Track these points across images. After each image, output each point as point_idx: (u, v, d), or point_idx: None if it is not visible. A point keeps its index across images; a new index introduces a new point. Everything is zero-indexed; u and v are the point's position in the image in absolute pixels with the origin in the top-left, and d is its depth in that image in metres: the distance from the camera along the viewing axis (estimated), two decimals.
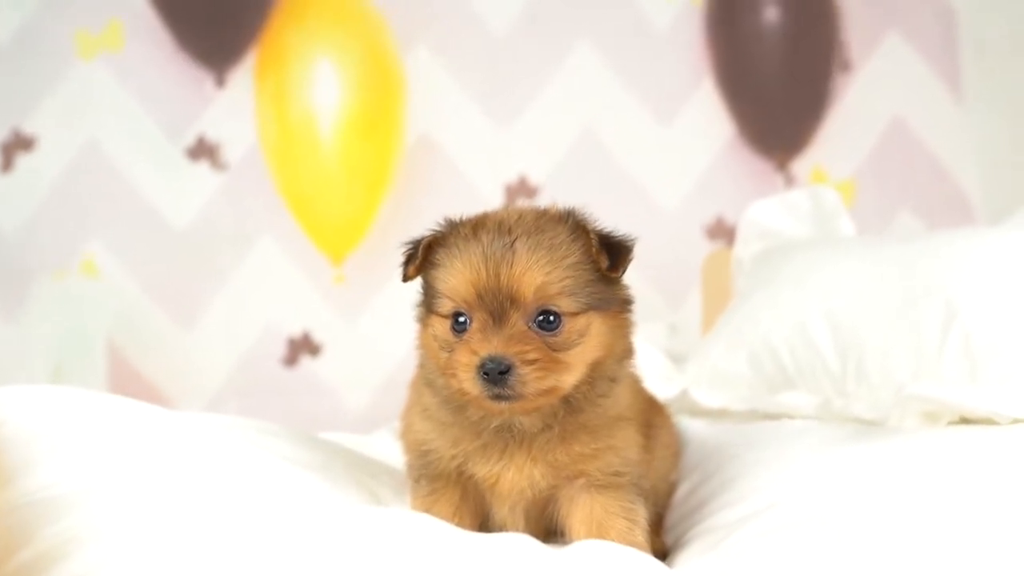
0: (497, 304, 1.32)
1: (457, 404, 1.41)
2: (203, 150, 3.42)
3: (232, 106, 3.43)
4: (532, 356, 1.31)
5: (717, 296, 2.85)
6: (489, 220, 1.40)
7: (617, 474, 1.42)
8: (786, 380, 2.09)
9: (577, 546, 1.26)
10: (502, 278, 1.32)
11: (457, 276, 1.34)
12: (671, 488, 1.75)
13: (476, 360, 1.30)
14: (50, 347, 3.31)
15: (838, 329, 2.02)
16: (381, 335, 3.39)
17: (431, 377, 1.45)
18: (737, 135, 3.53)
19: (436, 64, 3.49)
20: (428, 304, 1.41)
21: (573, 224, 1.40)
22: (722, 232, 3.47)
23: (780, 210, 2.62)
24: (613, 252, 1.39)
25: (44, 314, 3.32)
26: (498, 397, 1.31)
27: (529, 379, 1.30)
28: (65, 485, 1.25)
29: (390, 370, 3.28)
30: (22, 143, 3.35)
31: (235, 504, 1.28)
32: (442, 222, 1.44)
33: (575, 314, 1.35)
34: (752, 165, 3.53)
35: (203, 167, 3.42)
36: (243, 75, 3.44)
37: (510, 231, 1.35)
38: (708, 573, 1.28)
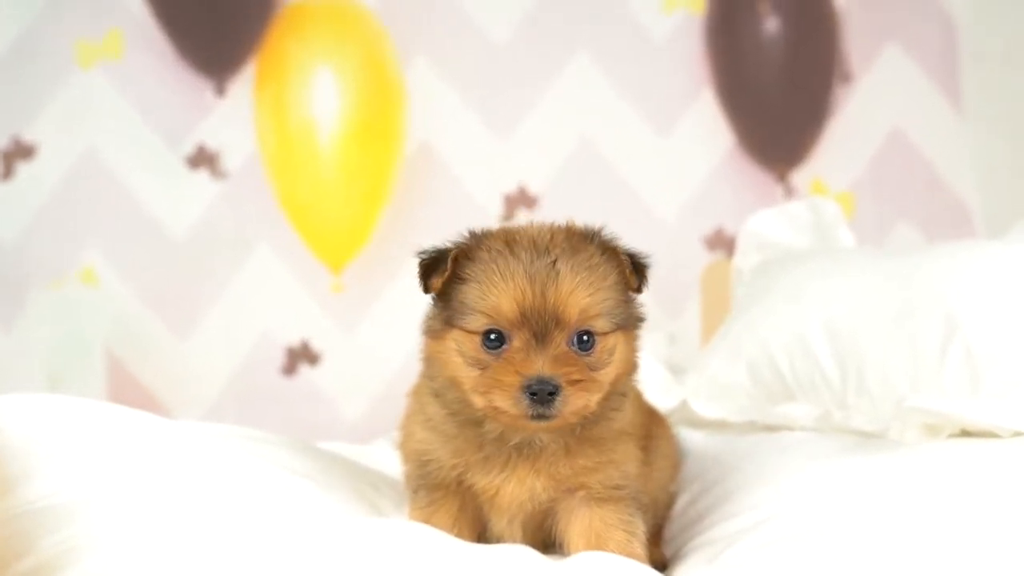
0: (542, 324, 1.32)
1: (469, 418, 1.41)
2: (202, 159, 3.42)
3: (232, 115, 3.43)
4: (576, 377, 1.31)
5: (716, 307, 2.84)
6: (521, 236, 1.39)
7: (617, 487, 1.42)
8: (786, 392, 2.09)
9: (577, 558, 1.26)
10: (548, 299, 1.32)
11: (499, 294, 1.33)
12: (670, 499, 1.75)
13: (521, 380, 1.29)
14: (48, 355, 3.30)
15: (838, 340, 2.02)
16: (380, 344, 3.39)
17: (441, 390, 1.44)
18: (736, 146, 3.53)
19: (435, 74, 3.49)
20: (448, 318, 1.39)
21: (601, 244, 1.41)
22: (721, 243, 3.47)
23: (780, 221, 2.62)
24: (638, 271, 1.43)
25: (42, 322, 3.32)
26: (539, 417, 1.31)
27: (571, 399, 1.31)
28: (64, 494, 1.25)
29: (389, 379, 3.27)
30: (22, 151, 3.35)
31: (233, 514, 1.27)
32: (466, 234, 1.43)
33: (606, 334, 1.37)
34: (752, 176, 3.53)
35: (202, 176, 3.41)
36: (243, 84, 3.44)
37: (548, 250, 1.35)
38: None
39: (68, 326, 3.33)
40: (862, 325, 2.00)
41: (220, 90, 3.42)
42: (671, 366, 2.56)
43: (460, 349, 1.37)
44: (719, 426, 2.12)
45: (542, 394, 1.29)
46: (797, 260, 2.37)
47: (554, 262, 1.34)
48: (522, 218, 3.47)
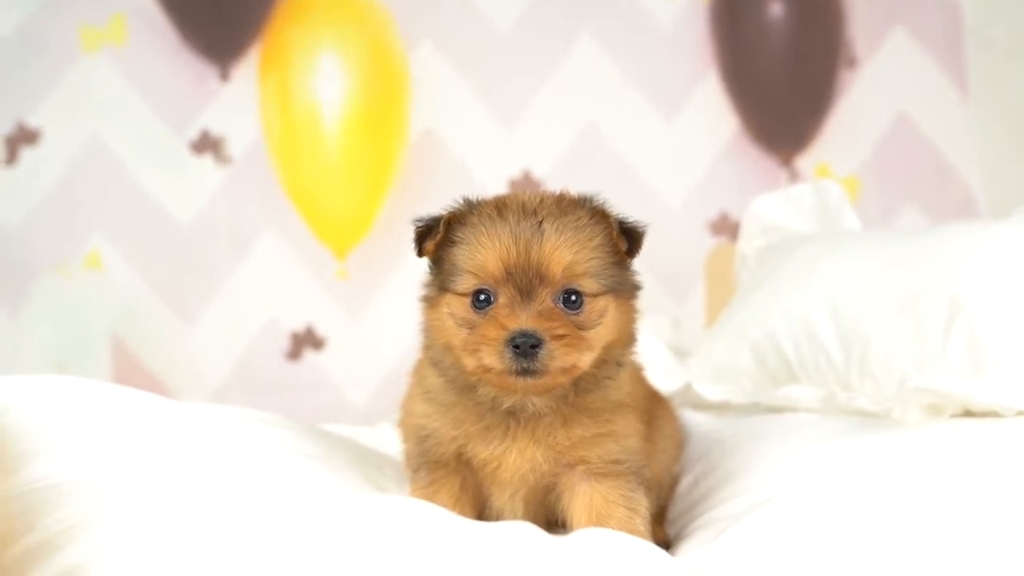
0: (526, 281, 1.34)
1: (464, 384, 1.42)
2: (207, 144, 3.42)
3: (236, 100, 3.43)
4: (560, 331, 1.33)
5: (721, 291, 2.84)
6: (512, 201, 1.41)
7: (617, 462, 1.43)
8: (789, 373, 2.08)
9: (579, 533, 1.26)
10: (532, 255, 1.34)
11: (485, 252, 1.36)
12: (674, 480, 1.75)
13: (504, 334, 1.32)
14: (54, 341, 3.31)
15: (841, 322, 2.01)
16: (384, 329, 3.39)
17: (438, 357, 1.45)
18: (741, 131, 3.53)
19: (440, 59, 3.49)
20: (442, 283, 1.42)
21: (592, 208, 1.43)
22: (726, 228, 3.46)
23: (784, 204, 2.61)
24: (630, 237, 1.43)
25: (48, 308, 3.32)
26: (524, 372, 1.32)
27: (557, 354, 1.32)
28: (69, 473, 1.25)
29: (393, 364, 3.28)
30: (26, 136, 3.35)
31: (238, 492, 1.28)
32: (459, 200, 1.45)
33: (595, 295, 1.38)
34: (756, 161, 3.52)
35: (207, 161, 3.42)
36: (247, 69, 3.43)
37: (535, 212, 1.38)
38: (708, 562, 1.28)
39: (73, 311, 3.33)
40: (866, 307, 1.99)
41: (224, 75, 3.42)
42: (675, 349, 2.57)
43: (452, 312, 1.39)
44: (723, 408, 2.12)
45: (524, 347, 1.30)
46: (801, 243, 2.36)
47: (540, 222, 1.36)
48: None
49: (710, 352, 2.27)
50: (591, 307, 1.38)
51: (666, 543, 1.55)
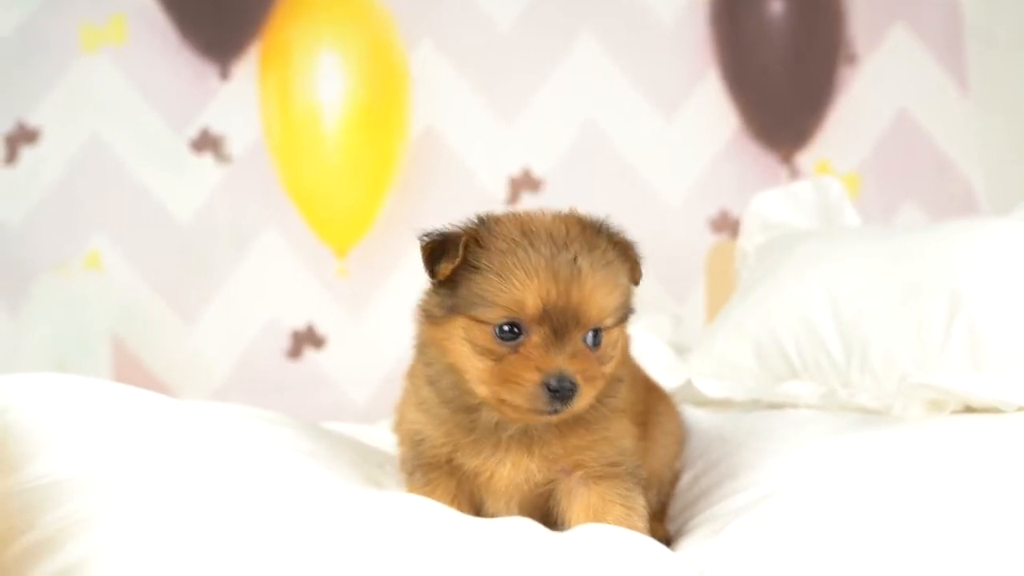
0: (563, 322, 1.30)
1: (463, 405, 1.40)
2: (207, 143, 3.42)
3: (236, 99, 3.43)
4: (591, 374, 1.31)
5: (721, 288, 2.84)
6: (537, 226, 1.35)
7: (613, 464, 1.42)
8: (790, 370, 2.08)
9: (580, 529, 1.26)
10: (572, 297, 1.30)
11: (522, 289, 1.29)
12: (675, 476, 1.75)
13: (540, 376, 1.28)
14: (54, 340, 3.31)
15: (842, 319, 2.01)
16: (385, 327, 3.40)
17: (436, 376, 1.42)
18: (742, 128, 3.53)
19: (440, 58, 3.49)
20: (455, 305, 1.35)
21: (611, 238, 1.39)
22: (726, 225, 3.46)
23: (784, 201, 2.61)
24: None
25: (48, 307, 3.33)
26: (553, 412, 1.30)
27: (585, 395, 1.30)
28: (69, 470, 1.25)
29: (393, 362, 3.27)
30: (26, 135, 3.35)
31: (238, 490, 1.28)
32: (473, 219, 1.38)
33: (610, 328, 1.36)
34: (757, 158, 3.52)
35: (207, 160, 3.42)
36: (247, 68, 3.44)
37: (567, 245, 1.32)
38: (709, 558, 1.28)
39: (74, 311, 3.34)
40: (866, 303, 1.99)
41: (224, 74, 3.42)
42: (676, 346, 2.56)
43: (469, 338, 1.33)
44: (723, 405, 2.12)
45: (563, 391, 1.27)
46: (801, 240, 2.36)
47: (575, 258, 1.31)
48: (526, 202, 3.47)
49: (710, 349, 2.27)
50: (607, 340, 1.36)
51: (667, 540, 1.55)
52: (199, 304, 3.41)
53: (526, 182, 3.48)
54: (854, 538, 1.23)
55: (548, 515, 1.46)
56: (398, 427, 1.58)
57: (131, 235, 3.38)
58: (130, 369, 3.33)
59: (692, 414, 1.99)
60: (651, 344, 2.36)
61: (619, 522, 1.37)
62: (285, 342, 3.43)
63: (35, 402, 1.38)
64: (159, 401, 1.54)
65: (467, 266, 1.34)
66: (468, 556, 1.12)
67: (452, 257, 1.33)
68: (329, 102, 3.48)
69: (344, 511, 1.19)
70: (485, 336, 1.32)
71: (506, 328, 1.31)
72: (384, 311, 3.43)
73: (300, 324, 3.43)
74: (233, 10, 3.46)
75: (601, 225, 1.40)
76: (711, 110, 3.53)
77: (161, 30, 3.40)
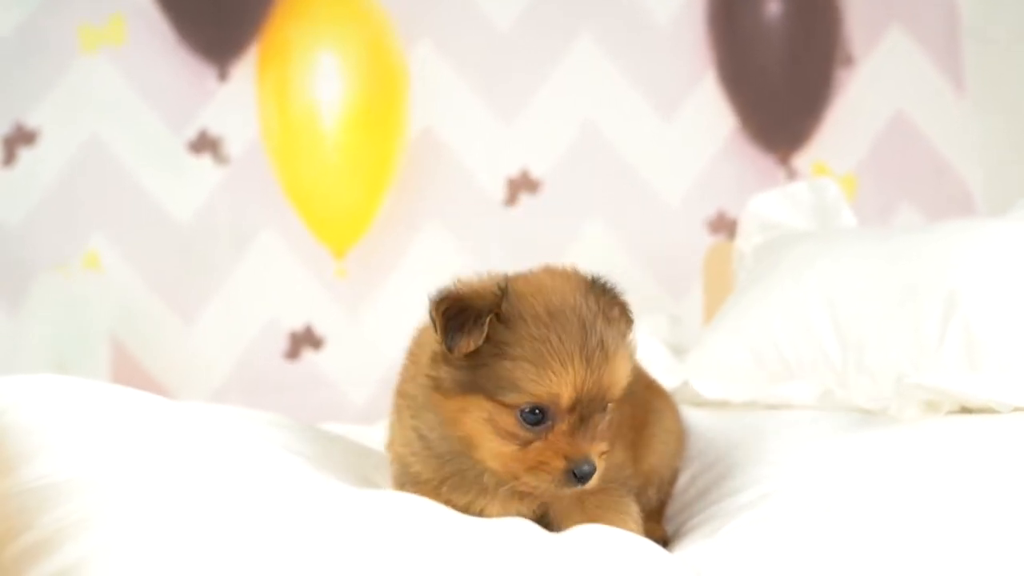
0: (591, 408, 1.28)
1: (458, 466, 1.37)
2: (205, 144, 3.42)
3: (234, 100, 3.43)
4: (605, 448, 1.30)
5: (719, 289, 2.84)
6: (559, 301, 1.29)
7: (607, 480, 1.42)
8: (787, 371, 2.09)
9: (576, 530, 1.27)
10: (603, 384, 1.27)
11: (558, 381, 1.25)
12: (675, 474, 1.75)
13: (566, 464, 1.26)
14: (53, 340, 3.32)
15: (839, 319, 2.02)
16: (383, 328, 3.40)
17: (432, 440, 1.39)
18: (739, 129, 3.53)
19: (439, 58, 3.50)
20: (472, 383, 1.29)
21: (620, 306, 1.37)
22: (723, 226, 3.47)
23: (781, 202, 2.62)
24: None
25: (46, 307, 3.33)
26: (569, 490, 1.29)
27: (600, 470, 1.29)
28: (67, 472, 1.25)
29: (392, 363, 3.22)
30: (24, 137, 3.35)
31: (236, 491, 1.28)
32: (494, 289, 1.30)
33: None
34: (754, 159, 3.53)
35: (205, 161, 3.42)
36: (245, 69, 3.44)
37: (593, 325, 1.28)
38: (706, 558, 1.28)
39: (72, 312, 3.34)
40: (864, 304, 2.00)
41: (223, 75, 3.43)
42: (673, 347, 2.57)
43: (491, 420, 1.28)
44: (721, 405, 2.12)
45: (587, 477, 1.27)
46: (799, 240, 2.37)
47: (601, 341, 1.27)
48: (524, 203, 3.47)
49: (708, 349, 2.27)
50: (610, 406, 1.34)
51: (664, 540, 1.55)
52: (198, 304, 3.41)
53: (524, 183, 3.49)
54: (852, 538, 1.23)
55: (543, 517, 1.46)
56: (389, 446, 1.58)
57: (130, 235, 3.39)
58: (129, 369, 3.33)
59: (689, 415, 1.99)
60: (648, 345, 2.36)
61: (613, 526, 1.37)
62: (284, 342, 3.43)
63: (33, 404, 1.38)
64: (157, 403, 1.54)
65: (488, 342, 1.27)
66: (464, 555, 1.13)
67: (476, 336, 1.26)
68: (327, 103, 3.49)
69: (341, 510, 1.20)
70: (509, 420, 1.27)
71: (531, 412, 1.27)
72: (383, 311, 3.43)
73: (298, 325, 3.44)
74: (231, 11, 3.46)
75: (605, 286, 1.37)
76: (709, 111, 3.53)
77: (159, 31, 3.41)
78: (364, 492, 1.32)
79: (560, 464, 1.27)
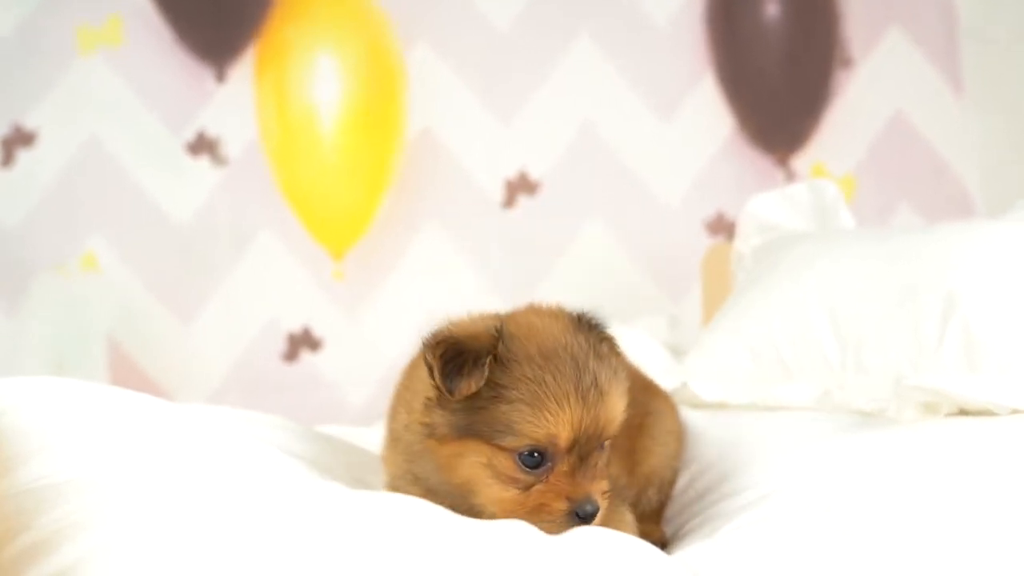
0: (589, 448, 1.28)
1: (452, 505, 1.34)
2: (203, 145, 3.42)
3: (232, 101, 3.43)
4: (606, 487, 1.30)
5: (717, 290, 2.84)
6: (551, 343, 1.29)
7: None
8: (786, 372, 2.09)
9: (574, 532, 1.26)
10: (600, 423, 1.27)
11: (556, 423, 1.24)
12: (675, 474, 1.75)
13: (568, 506, 1.26)
14: (51, 341, 3.31)
15: (838, 320, 2.02)
16: (381, 329, 3.40)
17: (430, 485, 1.37)
18: (737, 131, 3.53)
19: (437, 59, 3.50)
20: (468, 427, 1.28)
21: (608, 343, 1.36)
22: (722, 227, 3.47)
23: (780, 203, 2.61)
24: None
25: (45, 308, 3.33)
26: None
27: (603, 509, 1.29)
28: (65, 473, 1.25)
29: (390, 364, 3.24)
30: (22, 138, 3.35)
31: (234, 493, 1.28)
32: (491, 330, 1.29)
33: None
34: (752, 161, 3.53)
35: (203, 162, 3.42)
36: (243, 70, 3.44)
37: (587, 365, 1.28)
38: (704, 559, 1.28)
39: (70, 313, 3.34)
40: (862, 305, 2.00)
41: (221, 76, 3.43)
42: (672, 348, 2.57)
43: (490, 465, 1.28)
44: (719, 407, 2.12)
45: (590, 518, 1.27)
46: (797, 242, 2.37)
47: (596, 380, 1.27)
48: (523, 205, 3.47)
49: (706, 351, 2.27)
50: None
51: (663, 542, 1.55)
52: (196, 305, 3.41)
53: (522, 184, 3.49)
54: (851, 539, 1.23)
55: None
56: (385, 459, 1.57)
57: (128, 236, 3.39)
58: (127, 370, 3.33)
59: (688, 416, 1.99)
60: (647, 346, 2.36)
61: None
62: (282, 343, 3.43)
63: (31, 405, 1.38)
64: (155, 404, 1.54)
65: (484, 384, 1.26)
66: (462, 556, 1.13)
67: (477, 378, 1.25)
68: (326, 103, 3.49)
69: (338, 512, 1.20)
70: (507, 464, 1.27)
71: (530, 455, 1.26)
72: (381, 312, 3.43)
73: (296, 326, 3.44)
74: (230, 12, 3.46)
75: (592, 322, 1.36)
76: (707, 112, 3.54)
77: (158, 32, 3.41)
78: (361, 493, 1.31)
79: (562, 506, 1.26)
